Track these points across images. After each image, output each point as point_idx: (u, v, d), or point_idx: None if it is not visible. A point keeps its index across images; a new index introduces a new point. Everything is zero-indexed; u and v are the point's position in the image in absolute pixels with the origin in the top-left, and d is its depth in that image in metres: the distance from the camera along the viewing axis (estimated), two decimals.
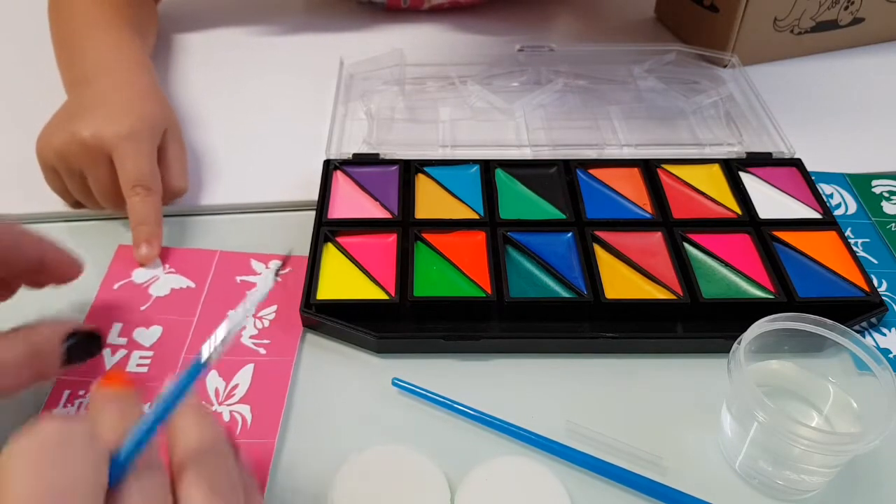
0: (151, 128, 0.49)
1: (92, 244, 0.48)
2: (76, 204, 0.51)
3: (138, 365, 0.41)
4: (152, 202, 0.47)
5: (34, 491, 0.22)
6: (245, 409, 0.39)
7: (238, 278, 0.47)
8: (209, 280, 0.46)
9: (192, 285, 0.46)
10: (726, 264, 0.46)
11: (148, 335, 0.43)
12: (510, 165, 0.53)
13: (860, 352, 0.36)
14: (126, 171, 0.46)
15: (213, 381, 0.41)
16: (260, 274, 0.47)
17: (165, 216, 0.49)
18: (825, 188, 0.54)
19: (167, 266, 0.47)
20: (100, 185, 0.47)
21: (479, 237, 0.47)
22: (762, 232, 0.48)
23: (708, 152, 0.56)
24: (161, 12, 0.70)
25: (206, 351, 0.26)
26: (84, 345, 0.35)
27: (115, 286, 0.46)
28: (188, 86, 0.65)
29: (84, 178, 0.48)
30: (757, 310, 0.40)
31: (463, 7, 0.75)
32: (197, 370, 0.26)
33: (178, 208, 0.52)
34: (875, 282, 0.46)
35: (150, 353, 0.42)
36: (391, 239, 0.47)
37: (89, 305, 0.45)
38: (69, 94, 0.54)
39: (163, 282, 0.46)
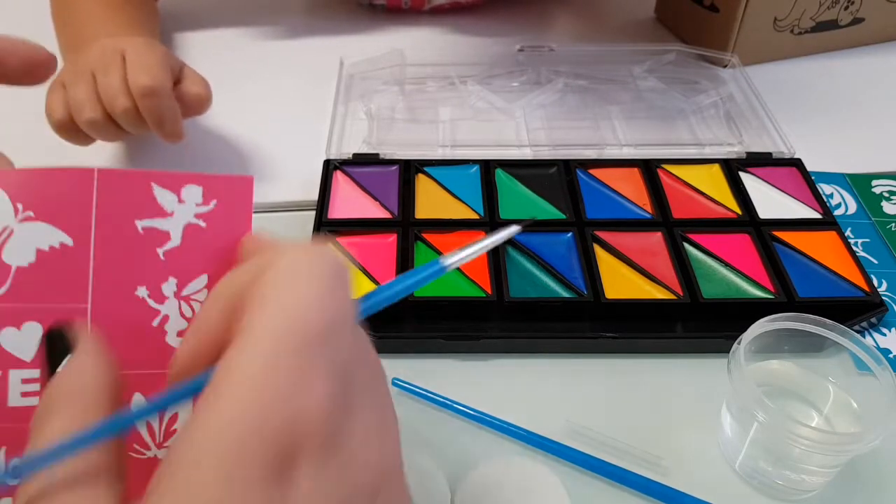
0: (165, 51, 0.51)
1: None
2: (62, 125, 0.49)
3: (23, 395, 0.25)
4: (165, 102, 0.47)
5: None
6: None
7: (140, 224, 0.26)
8: (93, 229, 0.26)
9: (69, 242, 0.26)
10: (726, 264, 0.46)
11: (22, 341, 0.25)
12: (510, 165, 0.53)
13: (860, 352, 0.36)
14: (135, 70, 0.47)
15: None
16: (170, 213, 0.26)
17: None
18: (825, 188, 0.54)
19: (20, 207, 0.25)
20: (108, 88, 0.47)
21: (480, 237, 0.47)
22: (762, 232, 0.48)
23: (708, 152, 0.56)
24: (161, 12, 0.70)
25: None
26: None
27: None
28: None
29: (92, 84, 0.48)
30: (757, 310, 0.40)
31: (463, 7, 0.75)
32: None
33: None
34: (875, 282, 0.46)
35: (36, 373, 0.25)
36: (391, 239, 0.47)
37: None
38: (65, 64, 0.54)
39: (19, 239, 0.25)
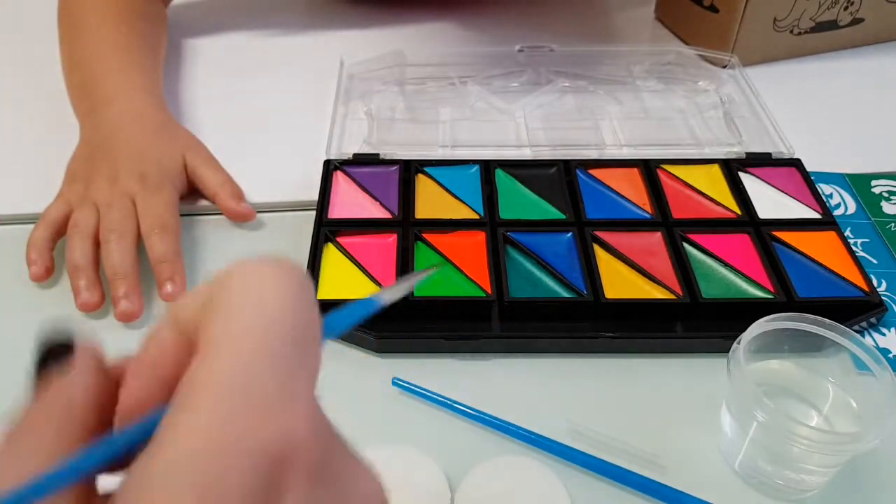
0: (165, 171, 0.50)
1: None
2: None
3: None
4: (169, 239, 0.46)
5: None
6: None
7: None
8: None
9: None
10: (726, 264, 0.46)
11: None
12: (510, 165, 0.53)
13: (859, 352, 0.36)
14: (142, 215, 0.47)
15: None
16: None
17: None
18: (824, 188, 0.54)
19: None
20: (110, 256, 0.45)
21: (479, 237, 0.47)
22: (762, 232, 0.48)
23: (707, 152, 0.56)
24: None
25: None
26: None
27: None
28: (188, 86, 0.65)
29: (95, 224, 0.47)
30: (756, 310, 0.40)
31: (464, 4, 0.75)
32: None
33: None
34: (874, 282, 0.46)
35: None
36: (391, 239, 0.47)
37: None
38: (82, 125, 0.55)
39: None
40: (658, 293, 0.44)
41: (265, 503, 0.15)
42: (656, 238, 0.47)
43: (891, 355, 0.43)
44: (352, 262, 0.46)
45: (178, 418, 0.15)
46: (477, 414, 0.39)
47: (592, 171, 0.53)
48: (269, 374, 0.16)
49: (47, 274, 0.46)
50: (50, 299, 0.46)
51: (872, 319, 0.45)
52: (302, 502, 0.16)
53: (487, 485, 0.36)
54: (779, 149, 0.55)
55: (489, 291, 0.44)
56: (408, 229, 0.48)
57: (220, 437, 0.15)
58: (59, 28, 0.61)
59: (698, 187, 0.51)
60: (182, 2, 0.73)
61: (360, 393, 0.41)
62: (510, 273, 0.45)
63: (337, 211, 0.49)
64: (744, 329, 0.36)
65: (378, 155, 0.54)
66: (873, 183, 0.55)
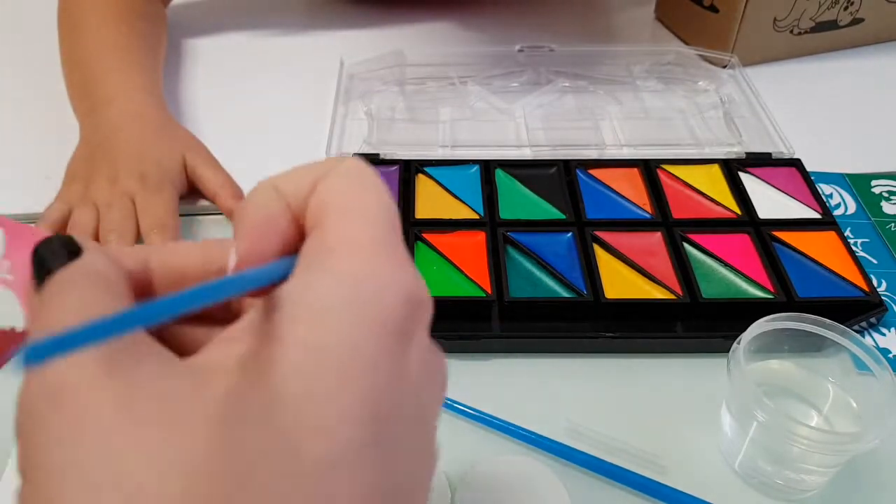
0: (165, 171, 0.50)
1: None
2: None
3: None
4: (169, 239, 0.46)
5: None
6: None
7: None
8: None
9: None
10: (726, 264, 0.46)
11: None
12: (510, 165, 0.53)
13: (860, 352, 0.36)
14: (142, 215, 0.47)
15: None
16: None
17: None
18: (825, 188, 0.54)
19: None
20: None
21: (479, 237, 0.47)
22: (762, 232, 0.48)
23: (707, 152, 0.56)
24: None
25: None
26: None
27: None
28: (188, 86, 0.65)
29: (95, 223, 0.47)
30: (757, 310, 0.40)
31: (464, 4, 0.75)
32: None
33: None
34: (874, 282, 0.46)
35: None
36: None
37: None
38: (82, 125, 0.55)
39: None
40: (658, 293, 0.44)
41: (406, 336, 0.18)
42: (656, 238, 0.47)
43: (891, 355, 0.43)
44: None
45: (328, 263, 0.18)
46: (477, 414, 0.39)
47: (592, 171, 0.53)
48: (398, 240, 0.19)
49: None
50: None
51: (872, 319, 0.45)
52: (423, 347, 0.19)
53: (487, 485, 0.36)
54: (779, 149, 0.55)
55: (489, 291, 0.44)
56: (408, 229, 0.48)
57: (376, 274, 0.18)
58: (59, 28, 0.61)
59: (698, 187, 0.51)
60: (182, 2, 0.73)
61: None
62: (510, 273, 0.45)
63: None
64: (744, 329, 0.36)
65: (378, 155, 0.54)
66: (873, 183, 0.55)
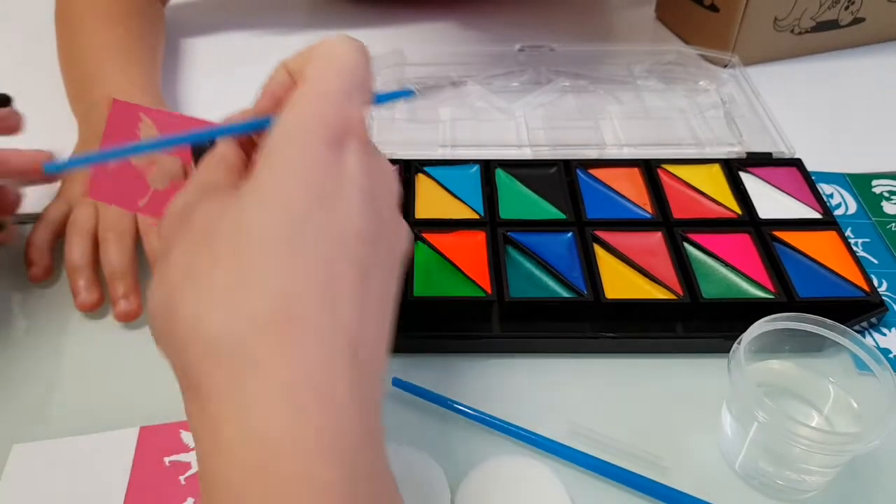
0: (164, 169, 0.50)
1: None
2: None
3: None
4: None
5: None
6: None
7: (167, 459, 0.37)
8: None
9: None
10: (726, 264, 0.46)
11: None
12: (510, 165, 0.53)
13: (860, 352, 0.36)
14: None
15: None
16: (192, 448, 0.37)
17: None
18: (825, 188, 0.54)
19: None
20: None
21: (479, 237, 0.47)
22: (762, 232, 0.48)
23: (708, 152, 0.56)
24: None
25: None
26: None
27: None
28: (188, 86, 0.65)
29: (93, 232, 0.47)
30: (757, 310, 0.40)
31: (464, 4, 0.75)
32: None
33: None
34: (875, 282, 0.46)
35: None
36: None
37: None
38: (80, 124, 0.55)
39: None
40: (658, 293, 0.44)
41: (336, 142, 0.26)
42: (657, 238, 0.47)
43: (891, 355, 0.43)
44: None
45: (292, 104, 0.27)
46: (477, 414, 0.39)
47: (593, 171, 0.53)
48: (339, 91, 0.27)
49: (47, 274, 0.46)
50: (49, 299, 0.46)
51: (873, 319, 0.45)
52: (356, 154, 0.27)
53: (487, 485, 0.36)
54: (779, 148, 0.55)
55: (489, 291, 0.44)
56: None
57: (313, 111, 0.26)
58: (57, 27, 0.61)
59: (699, 187, 0.51)
60: (181, 1, 0.73)
61: None
62: (510, 273, 0.45)
63: None
64: (744, 329, 0.36)
65: None
66: (874, 183, 0.55)
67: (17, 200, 0.45)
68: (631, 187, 0.51)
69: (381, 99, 0.32)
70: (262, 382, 0.22)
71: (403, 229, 0.30)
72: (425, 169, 0.53)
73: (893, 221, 0.52)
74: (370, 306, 0.25)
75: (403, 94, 0.34)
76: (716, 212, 0.50)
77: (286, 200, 0.24)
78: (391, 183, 0.30)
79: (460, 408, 0.39)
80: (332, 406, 0.22)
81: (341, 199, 0.25)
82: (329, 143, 0.26)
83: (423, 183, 0.52)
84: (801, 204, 0.50)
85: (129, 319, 0.44)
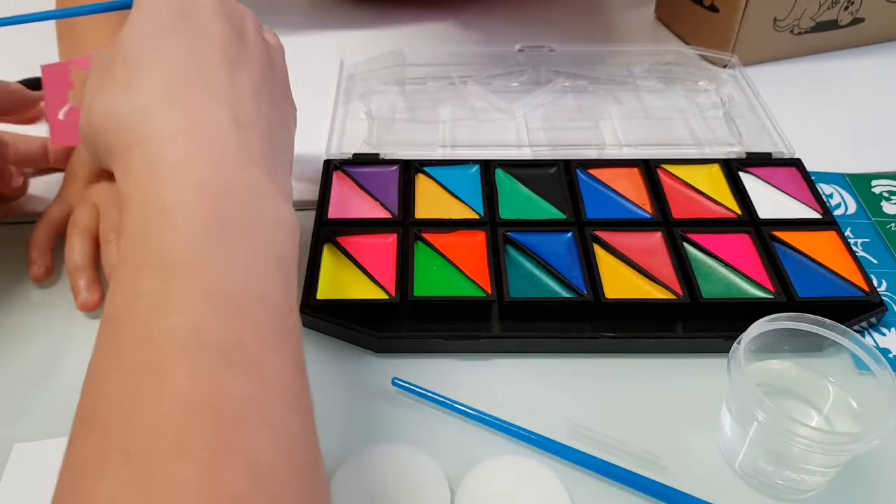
0: None
1: None
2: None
3: None
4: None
5: None
6: None
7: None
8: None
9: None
10: (726, 264, 0.46)
11: None
12: (510, 165, 0.53)
13: (860, 351, 0.36)
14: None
15: None
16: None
17: None
18: (825, 188, 0.54)
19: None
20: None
21: (479, 237, 0.47)
22: (762, 232, 0.48)
23: (708, 152, 0.56)
24: None
25: None
26: None
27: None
28: None
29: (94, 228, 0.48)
30: (757, 310, 0.40)
31: (464, 4, 0.75)
32: None
33: None
34: (875, 282, 0.46)
35: None
36: (391, 239, 0.47)
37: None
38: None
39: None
40: (658, 293, 0.44)
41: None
42: (656, 238, 0.47)
43: (891, 355, 0.43)
44: (352, 262, 0.46)
45: None
46: (477, 414, 0.39)
47: (592, 171, 0.53)
48: None
49: (48, 274, 0.46)
50: (50, 299, 0.46)
51: (873, 319, 0.45)
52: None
53: (487, 485, 0.36)
54: (779, 149, 0.55)
55: (489, 291, 0.44)
56: (408, 229, 0.48)
57: None
58: (57, 27, 0.61)
59: (698, 187, 0.51)
60: None
61: (360, 392, 0.41)
62: (510, 273, 0.45)
63: (337, 211, 0.49)
64: (744, 329, 0.36)
65: (378, 155, 0.54)
66: (873, 183, 0.55)
67: (24, 185, 0.50)
68: (631, 187, 0.51)
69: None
70: (166, 130, 0.31)
71: (264, 36, 0.42)
72: (425, 169, 0.53)
73: (893, 221, 0.52)
74: (241, 86, 0.34)
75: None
76: (715, 212, 0.50)
77: (154, 16, 0.34)
78: (241, 9, 0.39)
79: (460, 408, 0.40)
80: (216, 137, 0.31)
81: (199, 12, 0.35)
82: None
83: (423, 183, 0.52)
84: (800, 204, 0.50)
85: None
